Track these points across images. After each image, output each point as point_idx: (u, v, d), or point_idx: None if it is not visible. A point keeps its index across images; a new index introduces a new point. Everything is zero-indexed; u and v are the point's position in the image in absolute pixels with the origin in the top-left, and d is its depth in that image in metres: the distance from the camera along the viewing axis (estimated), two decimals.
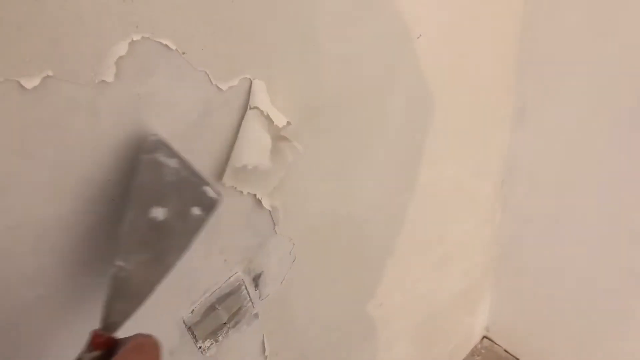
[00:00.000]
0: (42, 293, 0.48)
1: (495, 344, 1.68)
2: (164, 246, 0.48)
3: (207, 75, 0.48)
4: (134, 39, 0.42)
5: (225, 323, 0.68)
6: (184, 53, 0.45)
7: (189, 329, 0.63)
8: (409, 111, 0.78)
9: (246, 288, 0.68)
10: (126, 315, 0.47)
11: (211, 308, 0.64)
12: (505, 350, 1.65)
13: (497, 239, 1.37)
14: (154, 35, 0.43)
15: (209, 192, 0.50)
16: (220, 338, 0.68)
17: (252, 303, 0.70)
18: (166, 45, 0.44)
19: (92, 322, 0.51)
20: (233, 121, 0.53)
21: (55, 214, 0.44)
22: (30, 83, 0.38)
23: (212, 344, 0.67)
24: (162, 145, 0.47)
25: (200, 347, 0.66)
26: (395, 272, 1.01)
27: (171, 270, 0.49)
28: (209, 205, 0.50)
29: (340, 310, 0.92)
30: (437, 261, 1.16)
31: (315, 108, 0.62)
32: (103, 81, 0.42)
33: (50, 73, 0.38)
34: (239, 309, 0.69)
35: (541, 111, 1.06)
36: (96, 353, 0.44)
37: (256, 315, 0.72)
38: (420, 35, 0.71)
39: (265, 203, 0.63)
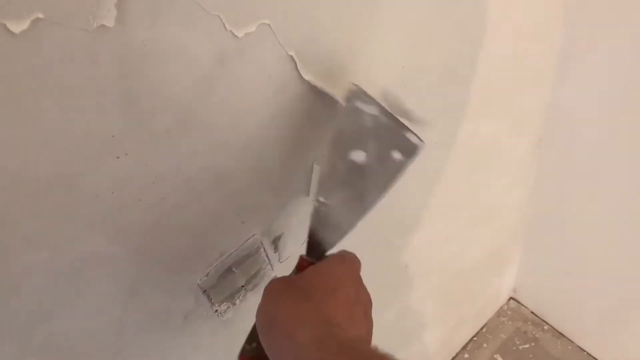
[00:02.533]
0: (45, 257, 0.45)
1: (522, 305, 1.64)
2: (363, 187, 0.51)
3: (221, 20, 0.43)
4: None
5: (242, 286, 0.65)
6: None
7: (204, 292, 0.60)
8: (446, 62, 0.72)
9: (265, 250, 0.64)
10: (328, 245, 0.52)
11: (228, 271, 0.61)
12: (532, 312, 1.62)
13: (530, 201, 1.31)
14: None
15: (411, 137, 0.50)
16: (237, 301, 0.65)
17: (272, 265, 0.67)
18: None
19: (94, 287, 0.49)
20: (250, 72, 0.48)
21: (55, 173, 0.41)
22: (18, 27, 0.33)
23: (228, 307, 0.64)
24: (362, 94, 0.50)
25: (216, 310, 0.63)
26: (423, 234, 0.97)
27: (370, 209, 0.51)
28: (410, 150, 0.51)
29: (364, 271, 0.88)
30: (468, 222, 1.11)
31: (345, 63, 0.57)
32: (103, 25, 0.37)
33: (40, 15, 0.34)
34: (257, 271, 0.65)
35: (586, 68, 0.98)
36: None
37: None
38: None
39: None
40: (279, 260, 0.68)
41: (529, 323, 1.60)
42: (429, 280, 1.12)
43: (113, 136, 0.42)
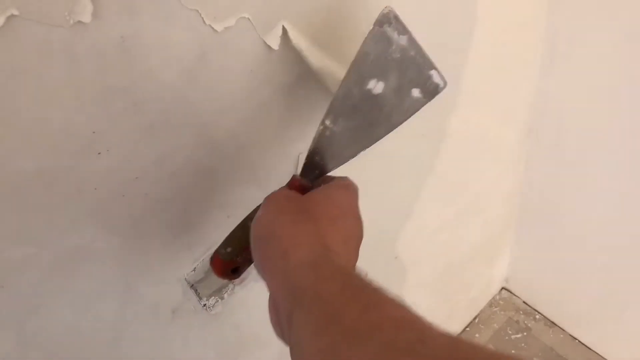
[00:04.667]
0: (30, 252, 0.45)
1: (514, 295, 1.65)
2: (374, 118, 0.49)
3: (200, 14, 0.43)
4: None
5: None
6: None
7: (192, 286, 0.61)
8: (431, 51, 0.72)
9: None
10: (324, 170, 0.50)
11: None
12: (524, 302, 1.63)
13: (520, 190, 1.31)
14: None
15: (434, 76, 0.49)
16: (225, 296, 0.65)
17: None
18: None
19: (82, 281, 0.49)
20: (232, 66, 0.48)
21: (36, 168, 0.41)
22: None
23: (217, 301, 0.65)
24: (394, 20, 0.47)
25: (204, 304, 0.63)
26: (413, 224, 0.97)
27: (375, 142, 0.50)
28: (432, 91, 0.49)
29: None
30: (458, 211, 1.11)
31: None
32: (79, 22, 0.37)
33: (15, 12, 0.34)
34: None
35: (573, 56, 0.98)
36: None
37: None
38: None
39: None
40: None
41: (521, 313, 1.61)
42: (420, 270, 1.13)
43: (94, 132, 0.42)
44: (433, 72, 0.49)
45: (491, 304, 1.64)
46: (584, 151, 1.11)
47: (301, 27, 0.52)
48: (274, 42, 0.50)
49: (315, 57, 0.54)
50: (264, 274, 0.42)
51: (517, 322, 1.59)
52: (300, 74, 0.54)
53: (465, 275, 1.39)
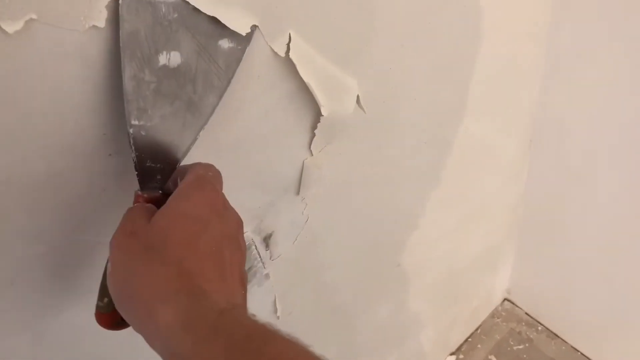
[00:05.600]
0: (41, 251, 0.46)
1: (516, 306, 1.65)
2: (192, 92, 0.43)
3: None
4: None
5: None
6: None
7: None
8: (435, 62, 0.73)
9: (256, 248, 0.66)
10: (165, 172, 0.43)
11: None
12: (526, 313, 1.63)
13: (522, 200, 1.32)
14: None
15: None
16: None
17: (263, 263, 0.68)
18: None
19: (91, 281, 0.50)
20: (239, 71, 0.50)
21: (48, 170, 0.42)
22: (12, 27, 0.35)
23: None
24: None
25: None
26: (415, 233, 0.98)
27: (211, 114, 0.44)
28: (241, 35, 0.44)
29: (355, 271, 0.90)
30: (460, 221, 1.12)
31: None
32: (94, 26, 0.38)
33: (34, 16, 0.35)
34: (249, 269, 0.67)
35: (575, 68, 1.00)
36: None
37: (267, 276, 0.70)
38: None
39: None
40: (270, 258, 0.69)
41: (523, 324, 1.61)
42: (422, 279, 1.13)
43: (104, 134, 0.44)
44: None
45: (493, 314, 1.64)
46: (585, 162, 1.12)
47: (307, 36, 0.53)
48: (281, 49, 0.52)
49: (318, 64, 0.56)
50: (140, 333, 0.35)
51: (520, 333, 1.59)
52: (304, 81, 0.56)
53: (467, 285, 1.40)
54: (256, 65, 0.51)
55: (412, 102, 0.74)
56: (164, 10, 0.39)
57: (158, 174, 0.43)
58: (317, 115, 0.60)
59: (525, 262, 1.52)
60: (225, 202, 0.41)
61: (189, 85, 0.42)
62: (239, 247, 0.40)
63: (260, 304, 0.73)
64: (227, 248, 0.38)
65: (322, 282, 0.83)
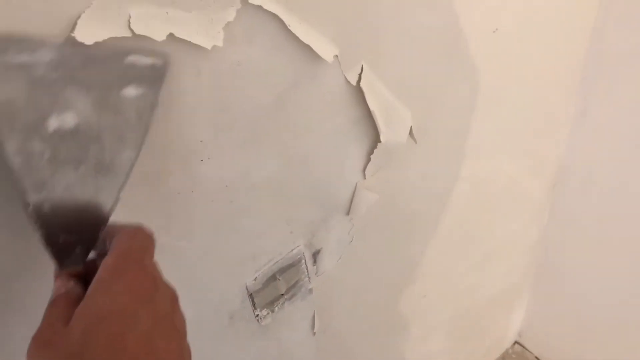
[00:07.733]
0: None
1: (527, 350, 1.67)
2: (99, 151, 0.37)
3: (312, 49, 0.50)
4: (241, 6, 0.44)
5: (282, 294, 0.70)
6: (289, 25, 0.47)
7: (250, 295, 0.65)
8: (470, 102, 0.78)
9: (305, 262, 0.70)
10: (86, 245, 0.37)
11: (272, 278, 0.66)
12: (537, 358, 1.64)
13: (541, 242, 1.35)
14: (264, 4, 0.45)
15: (140, 60, 0.38)
16: (276, 309, 0.70)
17: (309, 278, 0.72)
18: (275, 15, 0.46)
19: None
20: (316, 95, 0.55)
21: (144, 170, 0.47)
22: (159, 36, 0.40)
23: (268, 313, 0.69)
24: (10, 43, 0.33)
25: (257, 315, 0.68)
26: (442, 265, 1.02)
27: (132, 166, 0.38)
28: (151, 75, 0.39)
29: (385, 296, 0.93)
30: (482, 257, 1.16)
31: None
32: (215, 46, 0.43)
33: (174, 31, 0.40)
34: (296, 282, 0.71)
35: (603, 116, 1.04)
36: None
37: (311, 291, 0.74)
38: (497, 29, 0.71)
39: None
40: (315, 274, 0.73)
41: None
42: (442, 312, 1.16)
43: (201, 141, 0.48)
44: (132, 58, 0.38)
45: (504, 356, 1.65)
46: (607, 209, 1.15)
47: (376, 68, 0.58)
48: (353, 78, 0.57)
49: (383, 94, 0.61)
50: None
51: None
52: (370, 108, 0.61)
53: (483, 323, 1.42)
54: (329, 91, 0.56)
55: (455, 136, 0.79)
56: (41, 71, 0.34)
57: (77, 245, 0.37)
58: (375, 141, 0.65)
59: (539, 305, 1.53)
60: (155, 279, 0.35)
61: (93, 146, 0.37)
62: (174, 328, 0.35)
63: (300, 318, 0.77)
64: (160, 337, 0.33)
65: (356, 304, 0.86)
